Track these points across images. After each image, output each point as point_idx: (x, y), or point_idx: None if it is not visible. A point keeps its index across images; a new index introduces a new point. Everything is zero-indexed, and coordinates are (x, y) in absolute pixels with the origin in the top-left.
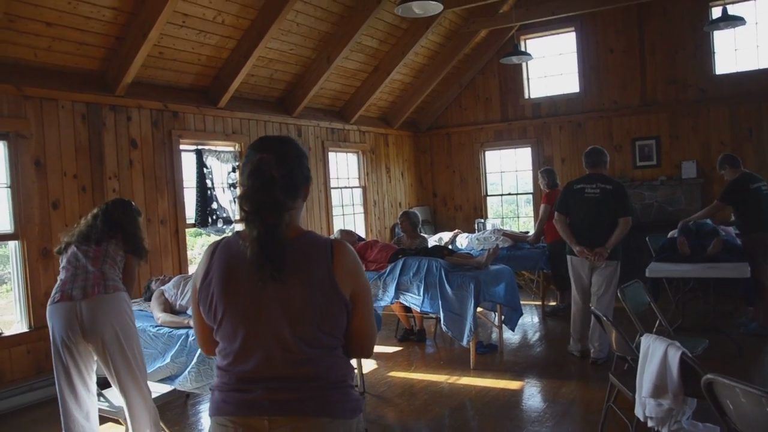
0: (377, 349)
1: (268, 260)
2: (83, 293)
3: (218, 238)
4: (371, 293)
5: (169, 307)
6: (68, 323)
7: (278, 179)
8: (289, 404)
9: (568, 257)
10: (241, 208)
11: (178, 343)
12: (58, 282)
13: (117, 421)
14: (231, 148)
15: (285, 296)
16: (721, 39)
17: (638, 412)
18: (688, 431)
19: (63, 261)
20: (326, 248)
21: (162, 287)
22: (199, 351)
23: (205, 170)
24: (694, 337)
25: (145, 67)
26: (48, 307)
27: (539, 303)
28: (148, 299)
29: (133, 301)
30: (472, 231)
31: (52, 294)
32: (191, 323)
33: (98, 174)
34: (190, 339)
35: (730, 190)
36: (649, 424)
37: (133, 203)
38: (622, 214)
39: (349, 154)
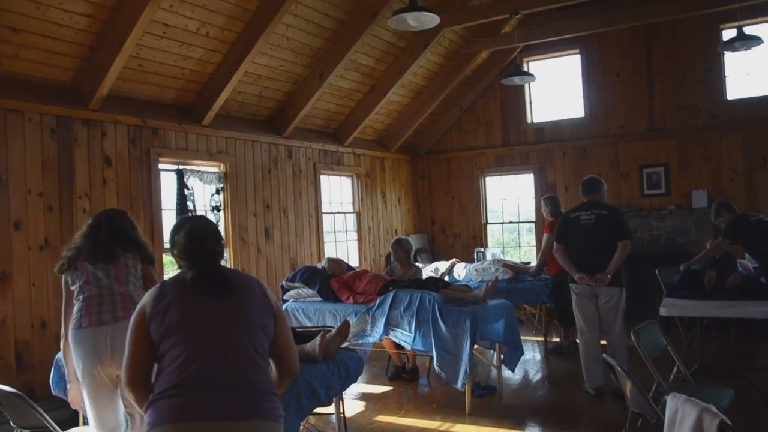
0: (364, 388)
1: (216, 281)
2: (113, 317)
3: None
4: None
5: None
6: (97, 349)
7: (208, 234)
8: (231, 408)
9: (571, 286)
10: (187, 258)
11: None
12: (81, 304)
13: None
14: (215, 169)
15: (233, 306)
16: (733, 63)
17: None
18: None
19: (78, 281)
20: (250, 277)
21: None
22: None
23: (186, 191)
24: (718, 387)
25: (123, 80)
26: (74, 332)
27: (542, 339)
28: None
29: None
30: (471, 260)
31: (76, 317)
32: None
33: (67, 193)
34: None
35: (734, 225)
36: None
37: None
38: (621, 237)
39: (342, 177)
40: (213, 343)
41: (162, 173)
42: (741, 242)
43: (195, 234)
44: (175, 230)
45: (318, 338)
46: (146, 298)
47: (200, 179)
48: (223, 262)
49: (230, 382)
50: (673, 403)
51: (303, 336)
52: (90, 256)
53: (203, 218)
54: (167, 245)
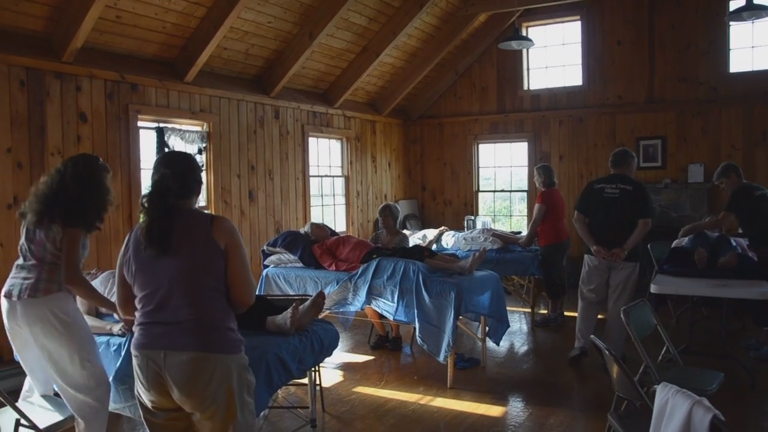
0: (345, 357)
1: (153, 242)
2: (19, 293)
3: None
4: (244, 250)
5: (94, 308)
6: (11, 321)
7: (172, 188)
8: (179, 339)
9: (585, 256)
10: (141, 204)
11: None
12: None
13: None
14: (198, 128)
15: (175, 256)
16: (737, 35)
17: None
18: None
19: (20, 238)
20: (207, 219)
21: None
22: (118, 365)
23: (166, 150)
24: (708, 369)
25: (100, 32)
26: None
27: (529, 311)
28: None
29: None
30: (461, 228)
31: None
32: (114, 329)
33: (38, 149)
34: (112, 349)
35: (737, 198)
36: None
37: (100, 159)
38: (642, 215)
39: (331, 140)
40: (163, 289)
41: (141, 131)
42: (739, 215)
43: (156, 189)
44: (152, 172)
45: (289, 310)
46: (123, 247)
47: (182, 138)
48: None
49: (180, 320)
50: (662, 393)
51: (277, 306)
52: (34, 213)
53: (176, 166)
54: None
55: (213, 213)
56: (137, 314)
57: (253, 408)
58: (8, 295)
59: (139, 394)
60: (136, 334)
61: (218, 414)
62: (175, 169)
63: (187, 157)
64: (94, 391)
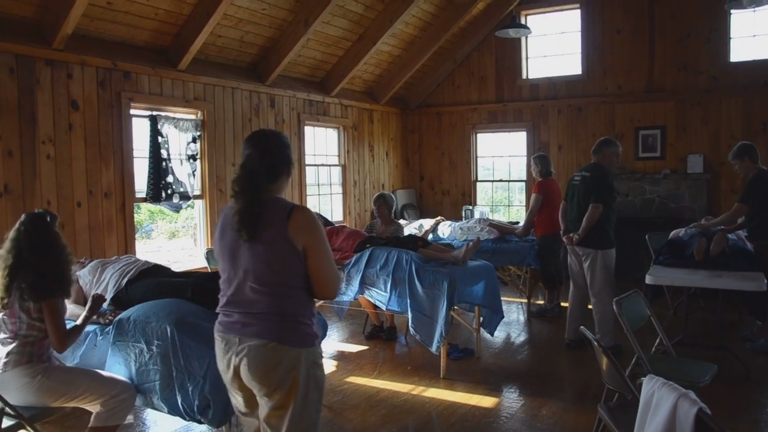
0: (340, 347)
1: (245, 227)
2: (3, 366)
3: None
4: (327, 245)
5: (81, 297)
6: None
7: (259, 170)
8: (252, 327)
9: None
10: (232, 188)
11: (86, 342)
12: None
13: None
14: (192, 116)
15: (252, 248)
16: (739, 24)
17: None
18: None
19: None
20: (285, 211)
21: (78, 272)
22: (109, 354)
23: (160, 139)
24: (701, 362)
25: (91, 19)
26: None
27: (525, 301)
28: None
29: None
30: (459, 218)
31: None
32: (101, 319)
33: (29, 137)
34: (99, 338)
35: (752, 189)
36: None
37: (47, 216)
38: (593, 200)
39: (328, 129)
40: (239, 278)
41: (134, 119)
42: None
43: (245, 171)
44: (242, 151)
45: None
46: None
47: (175, 126)
48: (199, 212)
49: (254, 310)
50: (649, 385)
51: None
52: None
53: (263, 146)
54: (139, 194)
55: (294, 204)
56: (220, 297)
57: (319, 406)
58: None
59: (222, 374)
60: (218, 317)
61: (280, 399)
62: (262, 149)
63: (273, 136)
64: (101, 398)
